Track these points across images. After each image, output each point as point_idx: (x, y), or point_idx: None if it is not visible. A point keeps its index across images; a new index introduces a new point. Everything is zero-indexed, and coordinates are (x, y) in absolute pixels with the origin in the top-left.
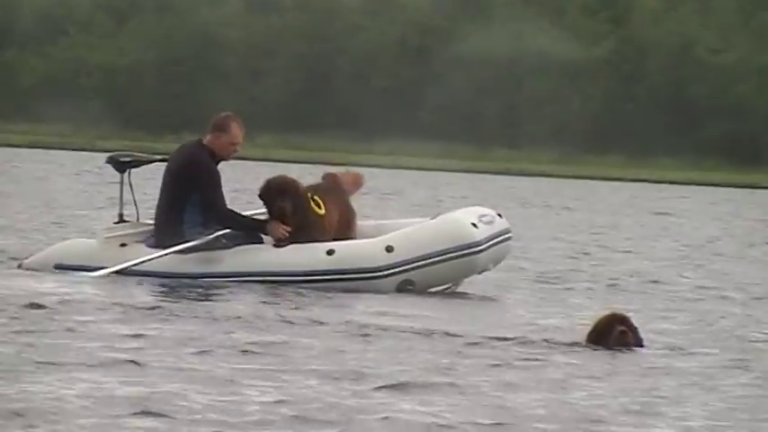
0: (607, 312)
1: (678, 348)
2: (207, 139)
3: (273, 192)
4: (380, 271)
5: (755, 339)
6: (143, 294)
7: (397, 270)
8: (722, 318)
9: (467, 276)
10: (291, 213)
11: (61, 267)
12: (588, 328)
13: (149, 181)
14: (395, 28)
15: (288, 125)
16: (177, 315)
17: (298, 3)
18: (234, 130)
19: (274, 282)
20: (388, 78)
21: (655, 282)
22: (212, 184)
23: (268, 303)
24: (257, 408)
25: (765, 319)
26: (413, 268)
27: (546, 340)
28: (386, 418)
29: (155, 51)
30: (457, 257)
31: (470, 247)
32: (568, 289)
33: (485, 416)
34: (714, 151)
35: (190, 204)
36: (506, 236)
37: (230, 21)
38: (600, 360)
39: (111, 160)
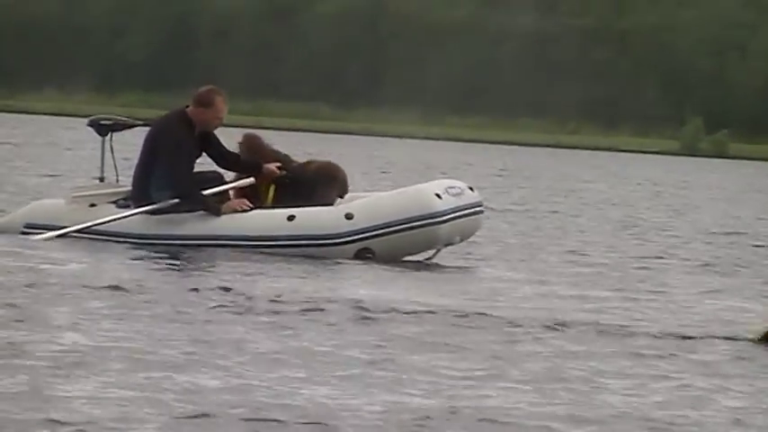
0: None
1: None
2: (190, 109)
3: (323, 178)
4: (339, 238)
5: None
6: (94, 258)
7: (356, 238)
8: None
9: (429, 248)
10: (333, 203)
11: (30, 227)
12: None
13: (134, 146)
14: None
15: (150, 84)
16: (125, 284)
17: None
18: (218, 105)
19: (234, 246)
20: (249, 37)
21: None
22: (174, 154)
23: (227, 272)
24: (213, 397)
25: None
26: (372, 236)
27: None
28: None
29: (14, 10)
30: (417, 227)
31: (431, 218)
32: None
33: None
34: (575, 113)
35: (158, 168)
36: (476, 209)
37: None
38: None
39: (92, 123)
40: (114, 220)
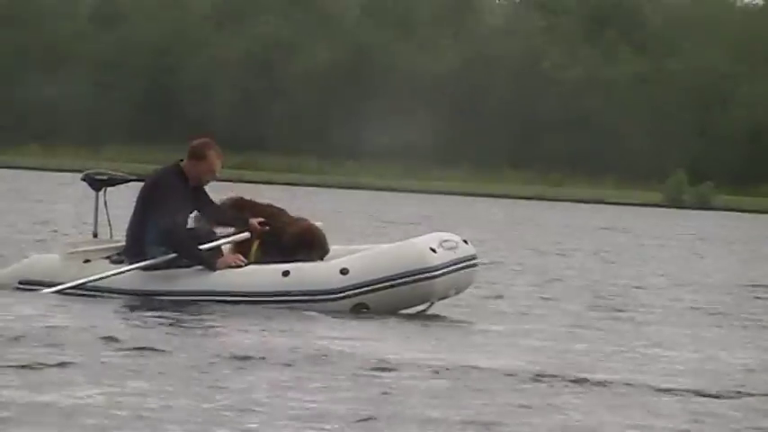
0: None
1: None
2: (184, 163)
3: (303, 243)
4: (334, 293)
5: None
6: (92, 314)
7: (351, 293)
8: None
9: (424, 302)
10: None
11: (25, 283)
12: None
13: (127, 201)
14: (241, 42)
15: (133, 137)
16: (123, 338)
17: (145, 15)
18: (211, 158)
19: (230, 302)
20: (233, 91)
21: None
22: (167, 208)
23: (221, 326)
24: None
25: None
26: (367, 291)
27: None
28: None
29: (1, 62)
30: (412, 282)
31: (427, 272)
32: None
33: None
34: (559, 165)
35: (152, 223)
36: (470, 262)
37: (78, 33)
38: None
39: (86, 178)
40: (111, 275)
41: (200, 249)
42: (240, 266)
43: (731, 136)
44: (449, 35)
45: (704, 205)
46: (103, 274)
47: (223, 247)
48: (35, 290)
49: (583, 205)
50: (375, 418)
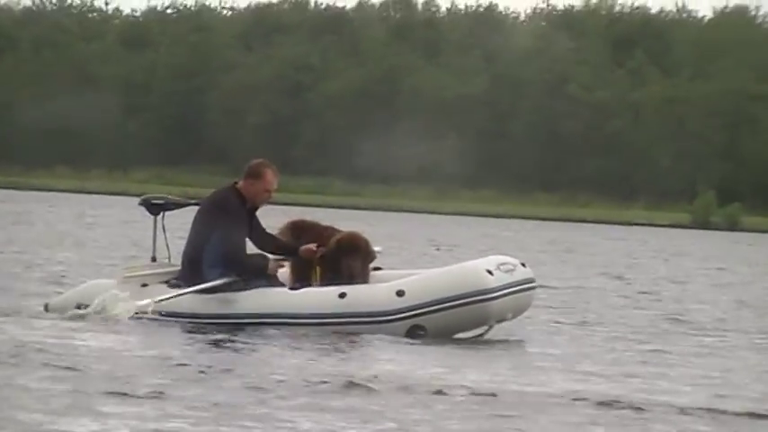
0: None
1: None
2: (240, 184)
3: (345, 249)
4: (390, 315)
5: None
6: (153, 338)
7: (406, 315)
8: None
9: (481, 324)
10: (360, 272)
11: (82, 307)
12: None
13: (183, 225)
14: (270, 65)
15: (163, 160)
16: (183, 363)
17: (173, 38)
18: (267, 177)
19: (287, 324)
20: (262, 114)
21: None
22: (229, 225)
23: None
24: None
25: None
26: (423, 313)
27: None
28: None
29: (31, 86)
30: (468, 304)
31: (482, 294)
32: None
33: None
34: (588, 187)
35: (210, 245)
36: (528, 285)
37: (106, 56)
38: None
39: (144, 202)
40: (185, 294)
41: (259, 257)
42: (317, 254)
43: (759, 157)
44: (476, 57)
45: (732, 227)
46: (178, 293)
47: (283, 273)
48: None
49: (616, 227)
50: None
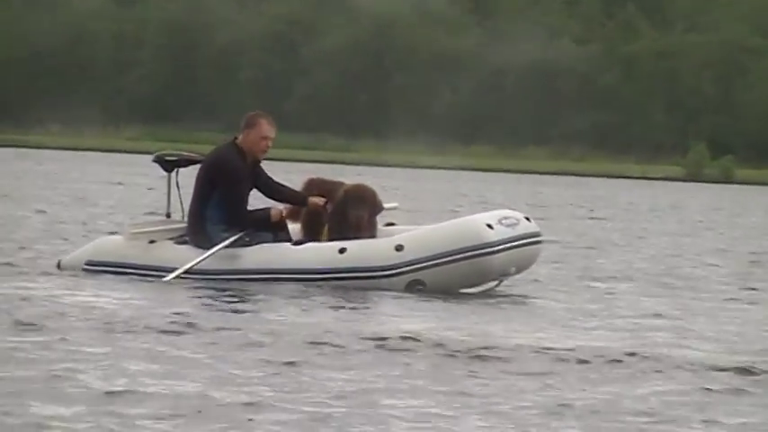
0: None
1: None
2: (239, 138)
3: (351, 199)
4: (389, 270)
5: None
6: (156, 295)
7: (406, 269)
8: None
9: (482, 279)
10: (367, 224)
11: (91, 264)
12: None
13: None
14: (262, 20)
15: (156, 117)
16: (183, 320)
17: None
18: (262, 125)
19: (287, 279)
20: (255, 70)
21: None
22: (229, 183)
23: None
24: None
25: None
26: (422, 268)
27: None
28: None
29: (22, 45)
30: (468, 258)
31: (482, 248)
32: None
33: None
34: (581, 141)
35: (213, 202)
36: (532, 239)
37: (98, 13)
38: None
39: (158, 159)
40: (209, 255)
41: (260, 216)
42: (324, 207)
43: (752, 109)
44: (468, 10)
45: (726, 179)
46: (203, 256)
47: (295, 226)
48: (102, 271)
49: (611, 180)
50: (442, 402)
